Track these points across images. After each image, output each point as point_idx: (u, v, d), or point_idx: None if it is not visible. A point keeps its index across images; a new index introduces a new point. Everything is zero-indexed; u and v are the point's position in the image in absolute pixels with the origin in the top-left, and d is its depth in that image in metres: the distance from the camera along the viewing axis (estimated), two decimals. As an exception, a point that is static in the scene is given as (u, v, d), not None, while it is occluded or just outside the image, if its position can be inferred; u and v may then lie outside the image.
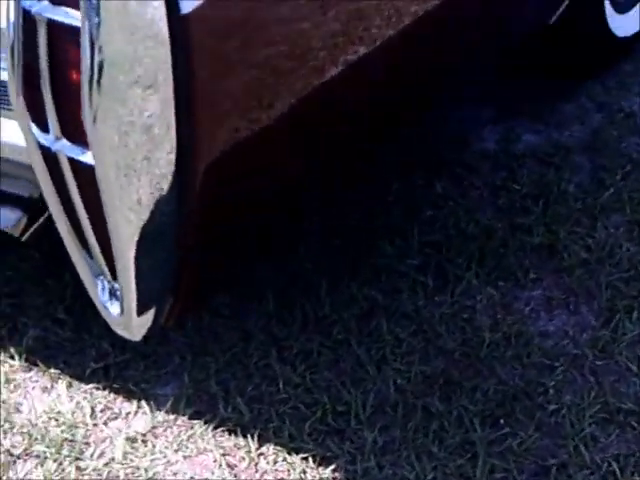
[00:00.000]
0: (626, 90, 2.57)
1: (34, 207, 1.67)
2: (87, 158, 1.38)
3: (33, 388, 1.95)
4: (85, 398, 1.93)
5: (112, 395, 1.93)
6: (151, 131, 1.36)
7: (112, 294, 1.49)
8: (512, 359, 1.94)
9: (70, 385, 1.95)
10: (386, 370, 1.94)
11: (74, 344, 2.02)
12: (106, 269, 1.48)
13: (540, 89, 2.57)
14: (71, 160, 1.41)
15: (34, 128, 1.42)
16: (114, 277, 1.48)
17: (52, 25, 1.33)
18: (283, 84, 1.53)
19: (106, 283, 1.50)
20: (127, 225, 1.40)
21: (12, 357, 1.99)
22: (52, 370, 1.97)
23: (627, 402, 1.87)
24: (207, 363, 1.97)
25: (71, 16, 1.31)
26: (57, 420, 1.89)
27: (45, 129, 1.40)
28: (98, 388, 1.94)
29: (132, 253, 1.42)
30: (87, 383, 1.95)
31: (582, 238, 2.17)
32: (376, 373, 1.94)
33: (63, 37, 1.34)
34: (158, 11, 1.29)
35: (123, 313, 1.49)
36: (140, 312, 1.49)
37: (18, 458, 1.83)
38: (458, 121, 2.51)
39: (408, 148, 2.40)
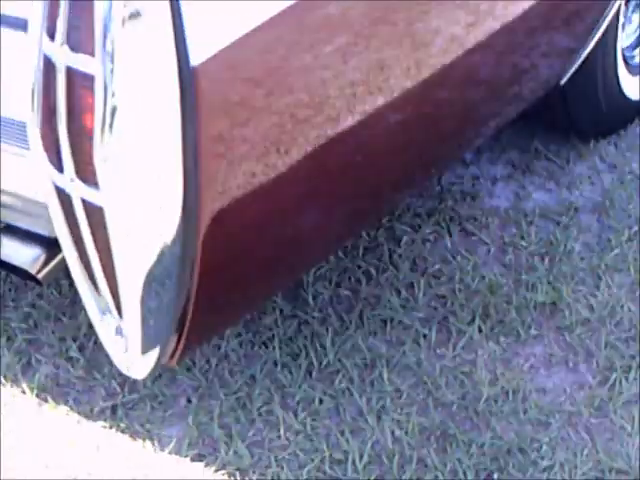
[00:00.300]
0: (637, 152, 2.61)
1: (51, 246, 1.74)
2: (97, 199, 1.44)
3: (42, 423, 2.02)
4: (92, 435, 1.99)
5: (118, 434, 1.99)
6: (159, 178, 1.42)
7: (118, 331, 1.55)
8: (509, 414, 1.99)
9: (78, 422, 2.02)
10: (385, 420, 1.99)
11: (85, 382, 2.09)
12: (113, 307, 1.53)
13: (554, 148, 2.63)
14: (84, 201, 1.47)
15: (50, 168, 1.48)
16: (120, 315, 1.54)
17: (70, 71, 1.40)
18: (288, 136, 1.59)
19: (112, 320, 1.56)
20: (134, 267, 1.46)
21: (24, 392, 2.06)
22: (62, 407, 2.04)
23: (619, 461, 1.90)
24: (212, 406, 2.03)
25: (88, 63, 1.38)
26: (64, 456, 1.95)
27: (60, 170, 1.46)
28: (105, 427, 2.00)
29: (138, 294, 1.48)
30: (95, 421, 2.01)
31: (585, 297, 2.21)
32: (375, 423, 1.98)
33: (80, 83, 1.40)
34: (169, 62, 1.36)
35: (127, 350, 1.55)
36: (144, 350, 1.54)
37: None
38: (472, 177, 2.57)
39: (420, 200, 2.46)
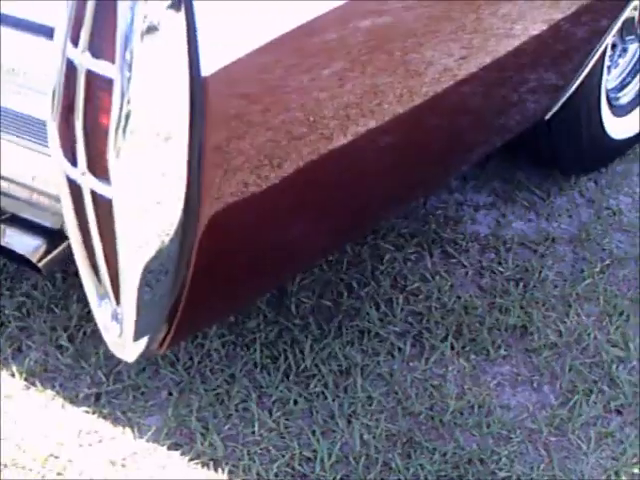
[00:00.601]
0: (616, 189, 2.73)
1: (53, 237, 1.84)
2: (107, 192, 1.53)
3: (29, 405, 2.12)
4: (75, 420, 2.09)
5: (100, 420, 2.09)
6: (165, 178, 1.53)
7: (113, 317, 1.65)
8: (472, 427, 2.09)
9: (63, 407, 2.11)
10: (355, 424, 2.09)
11: (72, 370, 2.18)
12: (112, 294, 1.63)
13: (536, 180, 2.74)
14: (93, 193, 1.57)
15: (65, 162, 1.58)
16: (117, 302, 1.64)
17: (90, 74, 1.50)
18: (291, 149, 1.69)
19: (110, 306, 1.65)
20: (134, 259, 1.57)
21: (13, 375, 2.16)
22: (48, 391, 2.14)
23: (574, 478, 2.00)
24: (191, 400, 2.13)
25: (107, 69, 1.48)
26: (46, 437, 2.05)
27: (74, 163, 1.56)
28: (88, 412, 2.10)
29: (136, 284, 1.58)
30: (79, 406, 2.11)
31: (554, 322, 2.32)
32: (345, 426, 2.08)
33: (99, 86, 1.50)
34: (181, 71, 1.47)
35: (121, 335, 1.65)
36: (136, 337, 1.64)
37: (5, 467, 1.99)
38: (456, 203, 2.67)
39: (405, 222, 2.57)
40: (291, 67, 1.61)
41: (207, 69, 1.48)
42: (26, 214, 1.89)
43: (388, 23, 1.79)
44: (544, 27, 2.15)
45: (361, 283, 2.40)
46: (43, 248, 1.86)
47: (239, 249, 1.72)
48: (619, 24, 2.49)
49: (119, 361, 2.16)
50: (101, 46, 1.47)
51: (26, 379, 2.16)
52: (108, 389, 2.14)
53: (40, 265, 1.86)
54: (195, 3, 1.44)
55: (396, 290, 2.39)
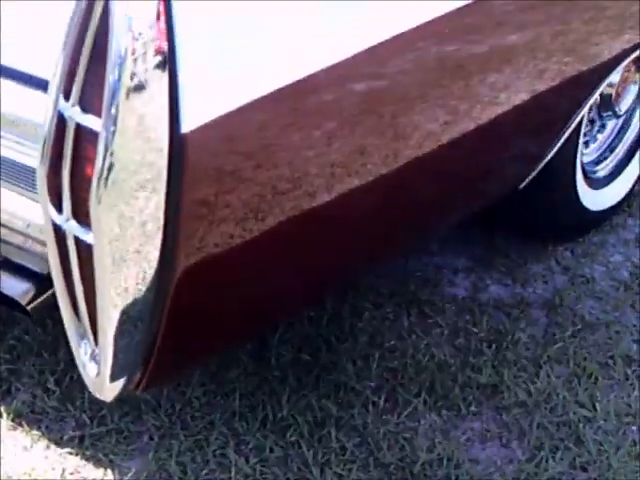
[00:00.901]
0: (591, 258, 2.83)
1: (43, 282, 1.93)
2: (88, 238, 1.63)
3: (14, 445, 2.20)
4: (59, 461, 2.17)
5: (83, 461, 2.17)
6: (142, 228, 1.62)
7: (92, 357, 1.74)
8: (442, 479, 2.17)
9: (47, 447, 2.19)
10: (328, 473, 2.16)
11: (58, 412, 2.27)
12: (90, 334, 1.72)
13: (514, 247, 2.84)
14: (76, 238, 1.67)
15: (51, 209, 1.68)
16: (96, 343, 1.73)
17: (79, 127, 1.62)
18: (267, 205, 1.79)
19: (89, 347, 1.74)
20: (111, 304, 1.66)
21: (0, 415, 2.24)
22: (34, 432, 2.22)
23: (537, 530, 2.09)
24: (171, 445, 2.21)
25: (94, 123, 1.59)
26: (30, 476, 2.13)
27: (60, 210, 1.66)
28: (71, 454, 2.18)
29: (113, 328, 1.67)
30: (63, 448, 2.19)
31: (525, 382, 2.40)
32: (319, 474, 2.16)
33: (86, 138, 1.61)
34: (162, 128, 1.58)
35: (99, 376, 1.73)
36: (113, 378, 1.73)
37: (-11, 502, 2.07)
38: (435, 266, 2.78)
39: (385, 282, 2.67)
40: (270, 126, 1.71)
41: (187, 126, 1.59)
42: (18, 259, 1.99)
43: (383, 86, 1.89)
44: (526, 97, 2.23)
45: (340, 339, 2.49)
46: (32, 292, 1.95)
47: (213, 300, 1.81)
48: (594, 100, 2.61)
49: (103, 405, 2.25)
50: (90, 100, 1.58)
51: (13, 420, 2.24)
52: (92, 432, 2.23)
53: (29, 308, 1.95)
54: (179, 64, 1.56)
55: (373, 347, 2.48)
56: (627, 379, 2.42)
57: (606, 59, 2.46)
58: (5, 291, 1.97)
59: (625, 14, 2.44)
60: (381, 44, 1.83)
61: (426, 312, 2.61)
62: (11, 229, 1.98)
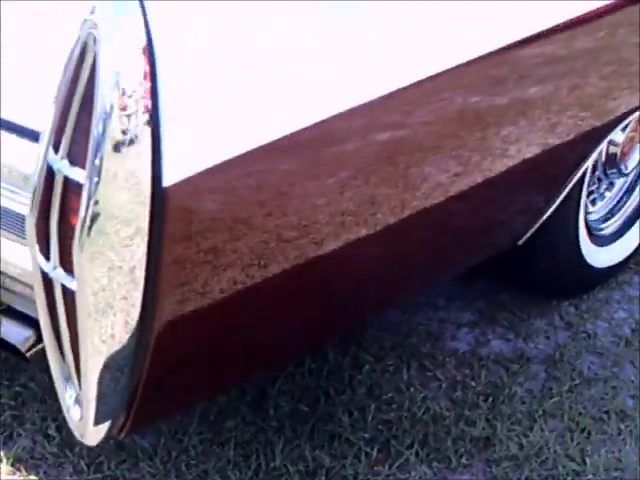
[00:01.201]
0: (595, 315, 2.85)
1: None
2: (73, 286, 1.70)
3: (13, 489, 2.27)
4: (54, 505, 2.24)
5: (78, 507, 2.24)
6: (125, 278, 1.68)
7: (77, 401, 1.79)
8: (428, 529, 2.20)
9: (45, 492, 2.27)
10: (316, 522, 2.21)
11: (56, 458, 2.33)
12: (75, 379, 1.78)
13: (518, 302, 2.87)
14: (63, 286, 1.73)
15: (39, 256, 1.74)
16: (80, 387, 1.78)
17: (67, 179, 1.68)
18: (247, 260, 1.85)
19: (73, 390, 1.80)
20: (94, 350, 1.72)
21: (0, 460, 2.31)
22: (32, 477, 2.28)
23: None
24: (166, 492, 2.27)
25: (81, 175, 1.66)
26: (26, 519, 2.20)
27: (48, 258, 1.73)
28: (68, 499, 2.25)
29: (95, 373, 1.73)
30: (59, 493, 2.26)
31: (517, 436, 2.43)
32: (307, 523, 2.21)
33: (73, 189, 1.67)
34: (144, 181, 1.64)
35: (82, 419, 1.79)
36: (96, 422, 1.79)
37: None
38: (439, 320, 2.81)
39: (388, 335, 2.71)
40: (249, 182, 1.77)
41: (168, 180, 1.65)
42: (19, 306, 2.06)
43: (401, 136, 1.94)
44: (536, 151, 2.26)
45: (338, 390, 2.53)
46: (32, 339, 2.02)
47: (193, 350, 1.87)
48: (594, 158, 2.64)
49: (101, 452, 2.31)
50: (78, 153, 1.66)
51: (13, 464, 2.31)
52: (89, 478, 2.28)
53: (28, 355, 2.02)
54: (162, 120, 1.63)
55: (370, 399, 2.51)
56: (620, 434, 2.44)
57: (605, 120, 2.50)
58: (5, 337, 2.04)
59: (623, 76, 2.48)
60: (401, 91, 1.86)
61: (426, 365, 2.64)
62: (11, 277, 2.06)
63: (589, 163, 2.61)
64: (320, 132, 1.80)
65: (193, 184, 1.69)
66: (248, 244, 1.80)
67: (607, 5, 2.25)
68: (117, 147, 1.61)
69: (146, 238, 1.66)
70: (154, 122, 1.63)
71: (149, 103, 1.62)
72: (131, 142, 1.62)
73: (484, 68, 2.02)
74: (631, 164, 2.94)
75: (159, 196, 1.65)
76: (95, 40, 1.61)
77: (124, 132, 1.61)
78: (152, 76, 1.63)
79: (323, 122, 1.79)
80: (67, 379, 1.80)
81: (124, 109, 1.61)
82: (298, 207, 1.86)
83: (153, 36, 1.61)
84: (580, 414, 2.49)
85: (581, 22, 2.22)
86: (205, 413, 2.43)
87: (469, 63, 1.96)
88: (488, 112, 2.09)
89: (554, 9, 2.14)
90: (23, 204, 1.97)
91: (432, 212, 2.09)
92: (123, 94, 1.60)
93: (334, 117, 1.80)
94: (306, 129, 1.77)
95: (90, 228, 1.64)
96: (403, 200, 2.02)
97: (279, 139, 1.76)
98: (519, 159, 2.24)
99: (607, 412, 2.50)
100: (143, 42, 1.61)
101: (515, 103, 2.16)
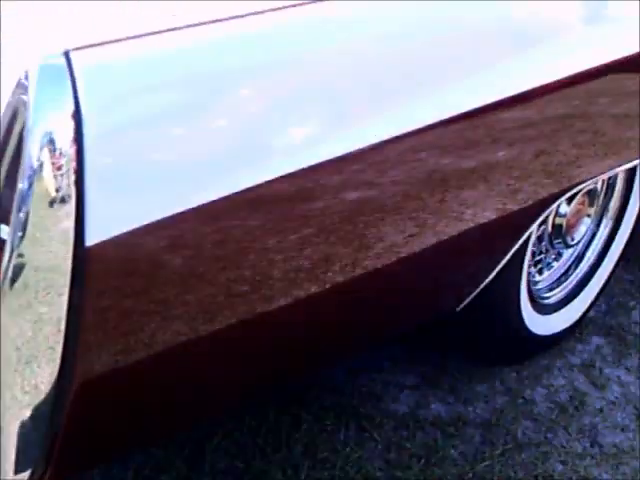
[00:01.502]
0: (535, 381, 2.91)
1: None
2: (-3, 343, 1.78)
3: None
4: None
5: None
6: (43, 332, 1.75)
7: (-2, 449, 1.86)
8: None
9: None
10: None
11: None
12: (-5, 428, 1.85)
13: (461, 367, 2.93)
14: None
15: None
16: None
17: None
18: (169, 320, 1.89)
19: (-5, 438, 1.87)
20: (13, 404, 1.78)
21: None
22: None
23: None
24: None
25: (5, 231, 1.73)
26: None
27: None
28: None
29: (16, 426, 1.79)
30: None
31: (445, 497, 2.49)
32: None
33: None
34: (67, 239, 1.71)
35: (3, 468, 1.84)
36: (17, 471, 1.83)
37: None
38: (383, 382, 2.87)
39: (329, 395, 2.76)
40: (172, 246, 1.84)
41: (91, 240, 1.72)
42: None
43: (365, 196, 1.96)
44: (492, 216, 2.28)
45: (274, 448, 2.58)
46: None
47: (113, 406, 1.91)
48: (533, 230, 2.70)
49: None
50: (5, 211, 1.74)
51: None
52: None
53: None
54: (87, 179, 1.69)
55: (305, 457, 2.57)
56: (545, 498, 2.50)
57: (546, 193, 2.55)
58: None
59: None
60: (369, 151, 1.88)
61: (364, 426, 2.70)
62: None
63: (532, 231, 2.67)
64: (240, 200, 1.85)
65: (116, 245, 1.75)
66: (168, 303, 1.86)
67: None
68: (42, 204, 1.69)
69: (67, 296, 1.73)
70: (78, 182, 1.70)
71: (74, 164, 1.69)
72: (56, 201, 1.69)
73: (459, 129, 2.05)
74: (577, 236, 3.02)
75: (81, 255, 1.71)
76: (25, 105, 1.70)
77: (50, 189, 1.69)
78: (77, 137, 1.70)
79: (247, 190, 1.85)
80: (-10, 426, 1.87)
81: (50, 168, 1.69)
82: (224, 266, 1.93)
83: (81, 101, 1.70)
84: (509, 478, 2.54)
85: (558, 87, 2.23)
86: (141, 466, 2.48)
87: (443, 123, 1.99)
88: (453, 174, 2.13)
89: (531, 72, 2.15)
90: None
91: (380, 273, 2.12)
92: (50, 152, 1.69)
93: (258, 186, 1.87)
94: (228, 197, 1.84)
95: (12, 282, 1.71)
96: (355, 259, 2.07)
97: (205, 204, 1.83)
98: (473, 223, 2.28)
99: (536, 477, 2.55)
100: (71, 107, 1.70)
101: (481, 166, 2.18)
